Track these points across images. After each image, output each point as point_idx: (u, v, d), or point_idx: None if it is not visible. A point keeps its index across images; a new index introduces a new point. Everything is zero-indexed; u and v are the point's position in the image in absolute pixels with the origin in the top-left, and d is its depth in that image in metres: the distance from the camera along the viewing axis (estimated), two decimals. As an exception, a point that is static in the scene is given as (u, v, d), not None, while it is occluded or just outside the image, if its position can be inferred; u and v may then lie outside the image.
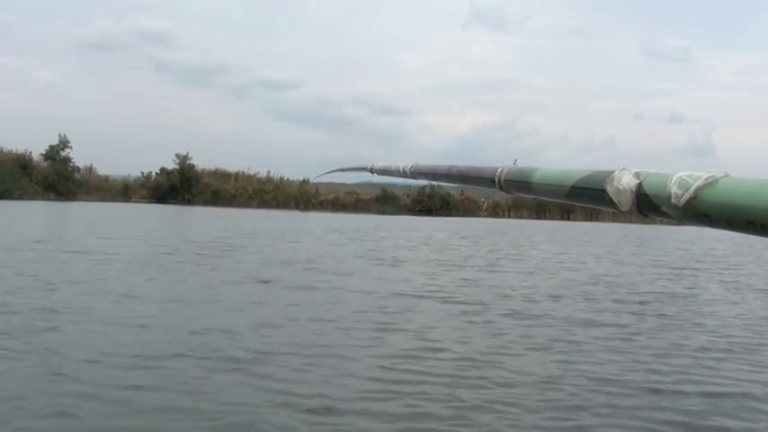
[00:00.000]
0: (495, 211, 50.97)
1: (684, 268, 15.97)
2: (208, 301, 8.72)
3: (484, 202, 47.73)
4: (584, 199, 0.86)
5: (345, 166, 3.05)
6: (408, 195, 51.14)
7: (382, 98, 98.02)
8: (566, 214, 50.08)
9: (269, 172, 54.89)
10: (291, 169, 76.39)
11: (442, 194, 49.65)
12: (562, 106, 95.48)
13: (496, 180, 1.09)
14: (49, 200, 43.27)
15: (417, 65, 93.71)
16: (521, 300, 9.93)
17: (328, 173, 3.70)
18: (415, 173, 1.70)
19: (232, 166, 54.55)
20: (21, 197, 42.28)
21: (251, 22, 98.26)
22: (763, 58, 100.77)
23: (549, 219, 48.78)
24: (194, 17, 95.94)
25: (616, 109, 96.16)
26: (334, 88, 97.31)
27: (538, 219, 48.72)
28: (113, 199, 48.57)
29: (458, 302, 9.47)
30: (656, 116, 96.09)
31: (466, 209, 50.24)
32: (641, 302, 10.20)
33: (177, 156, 50.98)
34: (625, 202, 0.76)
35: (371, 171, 2.27)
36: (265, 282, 10.68)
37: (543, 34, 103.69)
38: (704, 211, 0.67)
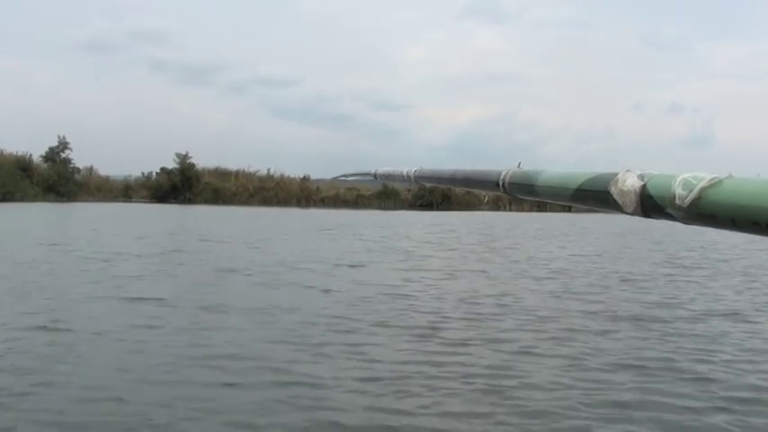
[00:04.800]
0: (497, 204, 50.92)
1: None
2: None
3: (485, 196, 47.61)
4: (589, 201, 0.86)
5: (349, 172, 3.04)
6: (409, 191, 51.13)
7: (381, 93, 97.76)
8: (566, 208, 49.87)
9: (269, 170, 55.12)
10: (292, 167, 76.63)
11: (442, 189, 49.57)
12: (562, 97, 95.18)
13: (501, 183, 1.10)
14: (50, 201, 43.28)
15: (415, 59, 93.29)
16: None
17: (333, 179, 3.70)
18: (420, 177, 1.70)
19: (232, 165, 54.94)
20: (22, 199, 42.34)
21: (246, 20, 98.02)
22: (763, 47, 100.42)
23: (550, 212, 48.69)
24: (189, 16, 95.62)
25: (616, 99, 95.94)
26: (333, 84, 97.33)
27: (539, 212, 48.67)
28: (114, 199, 48.62)
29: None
30: (656, 106, 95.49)
31: (467, 203, 50.25)
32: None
33: (177, 155, 51.19)
34: (629, 204, 0.75)
35: (375, 177, 2.26)
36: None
37: (541, 25, 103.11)
38: (709, 211, 0.67)
